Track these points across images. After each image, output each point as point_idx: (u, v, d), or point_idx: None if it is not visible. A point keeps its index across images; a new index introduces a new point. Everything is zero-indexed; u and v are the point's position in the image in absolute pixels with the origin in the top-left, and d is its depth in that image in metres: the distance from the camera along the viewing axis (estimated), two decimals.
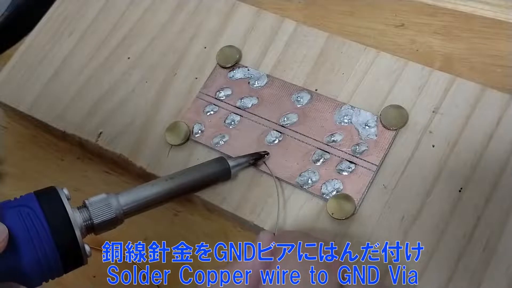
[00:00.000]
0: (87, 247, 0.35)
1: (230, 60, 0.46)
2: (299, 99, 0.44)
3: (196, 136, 0.44)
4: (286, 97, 0.44)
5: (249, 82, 0.45)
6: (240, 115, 0.44)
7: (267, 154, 0.42)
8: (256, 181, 0.42)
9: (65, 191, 0.36)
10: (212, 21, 0.48)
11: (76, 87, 0.48)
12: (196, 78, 0.46)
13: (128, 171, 0.46)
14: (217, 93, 0.45)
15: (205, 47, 0.48)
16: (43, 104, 0.48)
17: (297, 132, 0.43)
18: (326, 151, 0.41)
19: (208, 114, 0.45)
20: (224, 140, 0.43)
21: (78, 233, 0.34)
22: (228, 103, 0.45)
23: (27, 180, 0.47)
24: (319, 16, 0.49)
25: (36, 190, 0.35)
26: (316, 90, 0.44)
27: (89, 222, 0.35)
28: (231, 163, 0.41)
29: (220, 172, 0.40)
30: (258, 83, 0.45)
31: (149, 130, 0.45)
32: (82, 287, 0.42)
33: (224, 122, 0.44)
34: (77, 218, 0.35)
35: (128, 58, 0.48)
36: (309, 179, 0.41)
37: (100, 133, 0.46)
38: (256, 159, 0.42)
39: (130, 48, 0.49)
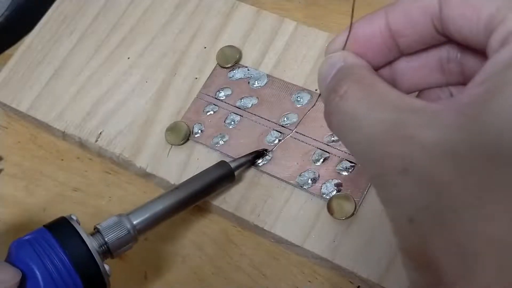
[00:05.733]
0: (106, 267, 0.34)
1: (230, 60, 0.46)
2: (299, 99, 0.44)
3: (196, 136, 0.44)
4: (286, 97, 0.44)
5: (249, 82, 0.45)
6: (240, 115, 0.44)
7: (266, 151, 0.42)
8: (256, 181, 0.42)
9: (74, 217, 0.35)
10: (212, 21, 0.48)
11: (76, 87, 0.48)
12: (196, 78, 0.46)
13: (128, 171, 0.46)
14: (217, 93, 0.45)
15: (205, 47, 0.48)
16: (43, 104, 0.48)
17: (297, 132, 0.43)
18: (326, 151, 0.41)
19: (208, 114, 0.45)
20: (224, 140, 0.43)
21: (99, 260, 0.34)
22: (228, 103, 0.45)
23: (27, 180, 0.47)
24: (319, 16, 0.49)
25: (45, 224, 0.35)
26: (316, 90, 0.44)
27: (105, 246, 0.35)
28: (233, 165, 0.41)
29: (224, 176, 0.40)
30: (258, 83, 0.45)
31: (149, 130, 0.45)
32: None
33: (224, 122, 0.44)
34: (93, 244, 0.34)
35: (128, 58, 0.48)
36: (309, 179, 0.41)
37: (100, 133, 0.46)
38: (256, 157, 0.42)
39: (130, 48, 0.49)
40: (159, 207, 0.38)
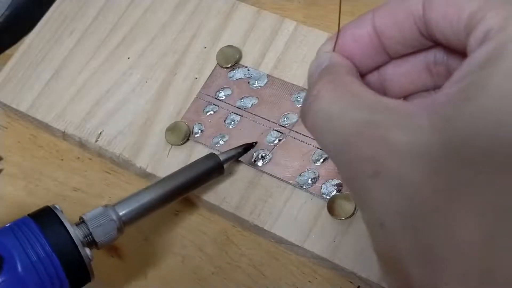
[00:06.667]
0: (88, 251, 0.34)
1: (230, 60, 0.46)
2: (299, 99, 0.44)
3: (196, 136, 0.44)
4: (286, 97, 0.44)
5: (249, 82, 0.45)
6: (240, 115, 0.44)
7: (256, 143, 0.42)
8: (256, 181, 0.42)
9: (58, 207, 0.35)
10: (212, 21, 0.48)
11: (76, 87, 0.48)
12: (196, 78, 0.46)
13: (128, 171, 0.46)
14: (217, 93, 0.45)
15: (205, 47, 0.48)
16: (43, 104, 0.48)
17: (297, 132, 0.43)
18: None
19: (208, 114, 0.45)
20: (224, 140, 0.43)
21: (82, 250, 0.34)
22: (228, 103, 0.45)
23: (27, 180, 0.47)
24: (319, 16, 0.49)
25: (30, 213, 0.35)
26: None
27: (90, 237, 0.35)
28: (222, 157, 0.41)
29: (213, 168, 0.40)
30: (258, 83, 0.45)
31: (149, 130, 0.45)
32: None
33: (224, 122, 0.44)
34: (78, 234, 0.34)
35: (128, 58, 0.48)
36: (309, 179, 0.41)
37: (100, 133, 0.46)
38: (245, 149, 0.42)
39: (130, 48, 0.49)
40: (146, 198, 0.38)
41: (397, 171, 0.20)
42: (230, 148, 0.42)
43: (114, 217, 0.36)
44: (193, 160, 0.41)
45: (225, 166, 0.41)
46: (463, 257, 0.18)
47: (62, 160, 0.47)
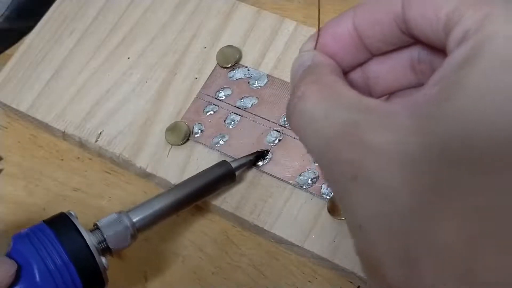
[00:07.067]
0: (104, 260, 0.34)
1: (230, 60, 0.46)
2: None
3: (196, 136, 0.44)
4: (286, 97, 0.44)
5: (249, 82, 0.45)
6: (240, 115, 0.44)
7: (267, 151, 0.42)
8: (256, 181, 0.42)
9: (73, 213, 0.35)
10: (212, 21, 0.48)
11: (76, 87, 0.48)
12: (196, 78, 0.46)
13: (128, 171, 0.46)
14: (217, 93, 0.45)
15: (205, 47, 0.48)
16: (43, 104, 0.48)
17: None
18: None
19: (208, 114, 0.45)
20: (224, 140, 0.43)
21: (96, 254, 0.34)
22: (228, 103, 0.45)
23: (27, 180, 0.47)
24: None
25: (45, 219, 0.35)
26: None
27: (104, 243, 0.35)
28: (234, 165, 0.41)
29: (225, 176, 0.40)
30: (258, 83, 0.45)
31: (149, 130, 0.45)
32: None
33: (224, 122, 0.44)
34: (92, 241, 0.34)
35: (128, 58, 0.48)
36: (309, 179, 0.41)
37: (100, 133, 0.46)
38: (257, 158, 0.42)
39: (130, 48, 0.49)
40: (159, 205, 0.38)
41: (375, 174, 0.20)
42: (241, 156, 0.42)
43: (128, 224, 0.36)
44: (194, 160, 0.41)
45: (237, 173, 0.41)
46: (442, 258, 0.18)
47: (62, 160, 0.47)
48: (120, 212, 0.37)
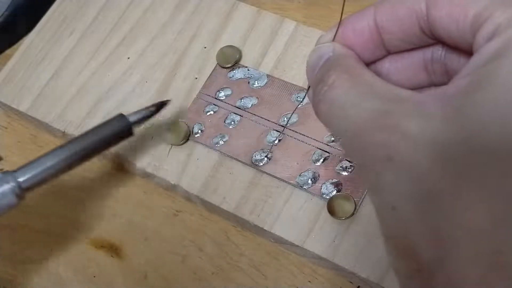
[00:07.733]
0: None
1: (230, 60, 0.46)
2: (299, 99, 0.44)
3: (196, 136, 0.44)
4: (286, 97, 0.44)
5: (249, 82, 0.45)
6: (240, 115, 0.44)
7: (169, 101, 0.42)
8: (256, 181, 0.42)
9: None
10: (212, 21, 0.48)
11: (76, 87, 0.48)
12: (196, 78, 0.47)
13: (128, 171, 0.46)
14: (217, 93, 0.45)
15: (205, 47, 0.48)
16: (43, 104, 0.48)
17: (297, 132, 0.43)
18: (326, 151, 0.41)
19: (208, 114, 0.45)
20: (224, 140, 0.43)
21: None
22: (228, 103, 0.45)
23: None
24: (319, 16, 0.49)
25: None
26: None
27: None
28: (131, 118, 0.40)
29: (121, 130, 0.39)
30: (258, 83, 0.45)
31: (149, 130, 0.45)
32: (83, 287, 0.42)
33: (224, 122, 0.44)
34: None
35: (128, 58, 0.48)
36: (309, 179, 0.41)
37: None
38: (158, 108, 0.41)
39: (130, 48, 0.49)
40: (50, 162, 0.36)
41: (410, 157, 0.21)
42: (139, 109, 0.40)
43: (14, 184, 0.35)
44: (194, 160, 0.40)
45: (134, 127, 0.39)
46: (472, 239, 0.19)
47: None
48: (6, 172, 0.36)
